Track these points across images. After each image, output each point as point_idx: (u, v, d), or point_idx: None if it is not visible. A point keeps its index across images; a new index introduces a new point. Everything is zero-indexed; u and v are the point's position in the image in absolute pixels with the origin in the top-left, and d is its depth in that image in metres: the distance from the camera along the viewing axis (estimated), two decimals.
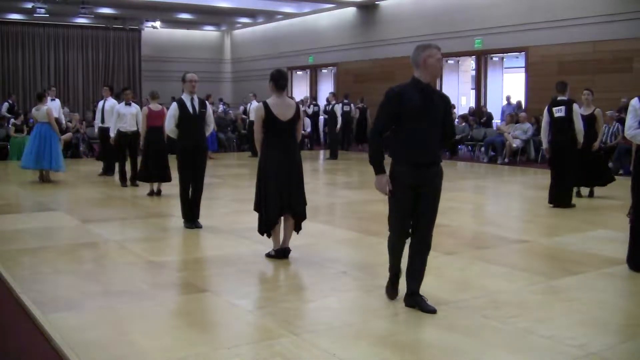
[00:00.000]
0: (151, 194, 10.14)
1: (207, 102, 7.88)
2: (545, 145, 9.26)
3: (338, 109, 17.70)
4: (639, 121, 5.47)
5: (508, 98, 18.68)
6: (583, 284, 5.24)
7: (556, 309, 4.61)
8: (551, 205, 8.93)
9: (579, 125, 8.89)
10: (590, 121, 9.52)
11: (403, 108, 4.31)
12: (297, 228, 6.05)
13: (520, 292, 5.00)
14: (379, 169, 4.45)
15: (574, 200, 9.14)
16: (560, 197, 8.90)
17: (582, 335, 4.05)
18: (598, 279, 5.43)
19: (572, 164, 8.95)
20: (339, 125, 17.52)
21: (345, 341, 3.92)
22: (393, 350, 3.79)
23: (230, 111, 22.40)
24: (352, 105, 19.99)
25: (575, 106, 8.90)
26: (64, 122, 15.95)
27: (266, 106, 5.79)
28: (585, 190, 9.94)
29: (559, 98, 9.00)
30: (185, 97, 7.42)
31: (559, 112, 8.91)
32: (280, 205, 5.83)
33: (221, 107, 22.18)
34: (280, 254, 5.93)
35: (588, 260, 5.93)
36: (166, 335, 4.09)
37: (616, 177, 10.46)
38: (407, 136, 4.33)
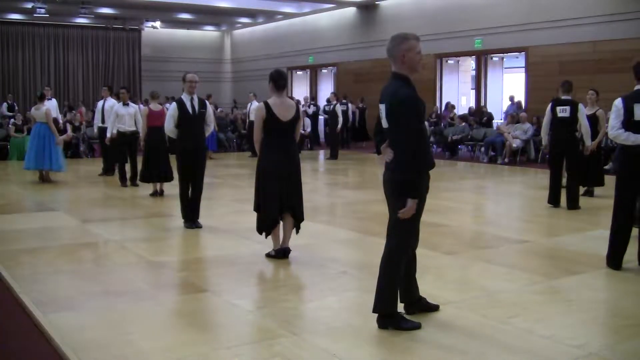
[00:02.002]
0: (154, 194, 10.11)
1: (207, 102, 7.87)
2: (545, 142, 9.23)
3: (339, 108, 17.71)
4: (622, 121, 5.53)
5: (512, 98, 18.59)
6: (583, 284, 5.24)
7: (556, 309, 4.61)
8: (550, 205, 8.91)
9: (586, 126, 8.86)
10: (592, 121, 9.52)
11: (421, 113, 4.01)
12: (297, 229, 6.06)
13: (520, 292, 4.99)
14: (418, 193, 3.94)
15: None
16: (567, 200, 8.80)
17: (582, 335, 4.05)
18: (598, 279, 5.44)
19: (574, 165, 8.87)
20: (339, 125, 17.52)
21: (345, 341, 3.92)
22: (393, 350, 3.79)
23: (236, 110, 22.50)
24: (349, 105, 20.12)
25: (581, 106, 8.81)
26: (61, 122, 15.95)
27: (267, 106, 5.78)
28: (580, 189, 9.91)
29: (563, 97, 8.92)
30: (185, 97, 7.41)
31: (563, 112, 8.80)
32: (280, 205, 5.84)
33: (219, 109, 22.22)
34: (281, 254, 5.93)
35: (588, 260, 5.93)
36: (166, 335, 4.09)
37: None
38: (423, 142, 4.00)
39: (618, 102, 5.62)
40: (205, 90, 19.95)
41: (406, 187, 3.91)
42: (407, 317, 4.20)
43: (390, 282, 4.07)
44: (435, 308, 4.42)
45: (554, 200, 8.90)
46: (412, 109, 3.90)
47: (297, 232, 6.08)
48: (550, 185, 9.02)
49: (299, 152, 6.11)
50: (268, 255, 5.99)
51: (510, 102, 18.58)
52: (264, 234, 6.00)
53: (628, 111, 5.52)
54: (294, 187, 5.91)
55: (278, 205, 5.81)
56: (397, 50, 3.99)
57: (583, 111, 8.84)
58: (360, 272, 5.63)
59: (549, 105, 9.07)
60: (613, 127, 5.61)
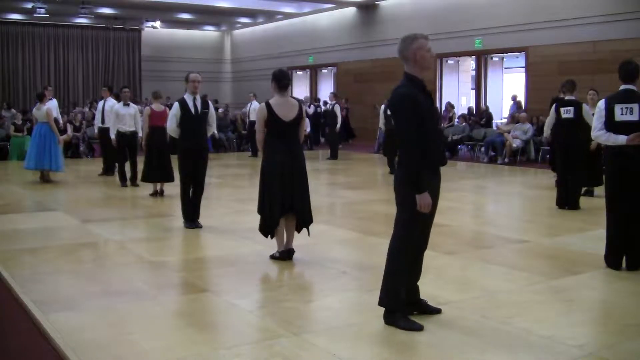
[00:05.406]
0: (154, 194, 10.08)
1: (209, 102, 7.86)
2: (546, 135, 9.34)
3: (338, 108, 17.73)
4: (604, 122, 5.59)
5: (514, 97, 18.53)
6: (583, 284, 5.24)
7: (556, 309, 4.61)
8: (557, 207, 8.81)
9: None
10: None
11: (421, 111, 4.00)
12: (299, 229, 6.00)
13: (520, 292, 4.99)
14: (425, 186, 3.96)
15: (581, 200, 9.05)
16: (567, 200, 8.78)
17: (582, 335, 4.05)
18: (598, 279, 5.44)
19: (578, 165, 8.78)
20: (338, 125, 17.53)
21: (345, 341, 3.92)
22: (393, 351, 3.79)
23: (236, 111, 22.49)
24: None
25: (585, 107, 8.74)
26: (61, 122, 15.94)
27: (269, 106, 5.74)
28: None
29: (567, 98, 8.85)
30: (188, 97, 7.42)
31: (567, 113, 8.73)
32: (282, 205, 5.78)
33: (220, 109, 22.22)
34: (285, 255, 5.89)
35: (588, 260, 5.93)
36: (166, 335, 4.09)
37: None
38: (428, 141, 3.99)
39: (601, 103, 5.73)
40: (205, 90, 19.95)
41: (410, 185, 3.95)
42: (410, 317, 4.18)
43: (393, 277, 4.06)
44: (437, 311, 4.37)
45: (562, 203, 8.79)
46: (408, 107, 3.94)
47: (299, 232, 6.02)
48: (558, 188, 8.96)
49: (303, 153, 6.03)
50: (272, 257, 5.94)
51: (512, 102, 18.58)
52: (268, 235, 5.96)
53: (609, 112, 5.56)
54: (298, 188, 5.82)
55: (279, 205, 5.77)
56: (408, 50, 4.06)
57: (588, 111, 8.77)
58: (360, 272, 5.63)
59: (553, 107, 9.03)
60: (595, 128, 5.71)
